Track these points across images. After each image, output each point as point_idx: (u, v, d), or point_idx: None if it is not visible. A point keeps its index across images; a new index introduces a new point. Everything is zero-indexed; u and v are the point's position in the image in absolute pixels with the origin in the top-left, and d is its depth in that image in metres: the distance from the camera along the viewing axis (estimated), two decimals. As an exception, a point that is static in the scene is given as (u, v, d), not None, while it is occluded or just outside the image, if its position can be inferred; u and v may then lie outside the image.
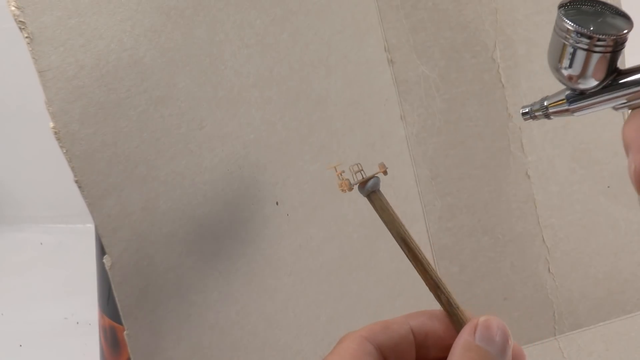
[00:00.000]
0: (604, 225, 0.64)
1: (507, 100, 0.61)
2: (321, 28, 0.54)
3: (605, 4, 0.31)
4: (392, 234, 0.33)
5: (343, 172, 0.34)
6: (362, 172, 0.34)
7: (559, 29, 0.31)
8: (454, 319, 0.33)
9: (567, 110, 0.33)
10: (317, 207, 0.53)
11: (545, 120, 0.34)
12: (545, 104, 0.34)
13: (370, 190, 0.33)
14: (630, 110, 0.31)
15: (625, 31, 0.30)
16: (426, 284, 0.33)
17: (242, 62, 0.48)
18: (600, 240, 0.64)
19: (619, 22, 0.30)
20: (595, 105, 0.32)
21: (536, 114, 0.34)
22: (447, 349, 0.32)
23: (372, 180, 0.33)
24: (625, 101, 0.31)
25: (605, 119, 0.62)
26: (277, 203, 0.50)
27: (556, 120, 0.61)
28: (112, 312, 0.56)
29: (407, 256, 0.33)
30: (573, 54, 0.30)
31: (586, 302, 0.64)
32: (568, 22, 0.30)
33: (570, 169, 0.63)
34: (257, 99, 0.49)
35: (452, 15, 0.60)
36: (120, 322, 0.42)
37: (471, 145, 0.62)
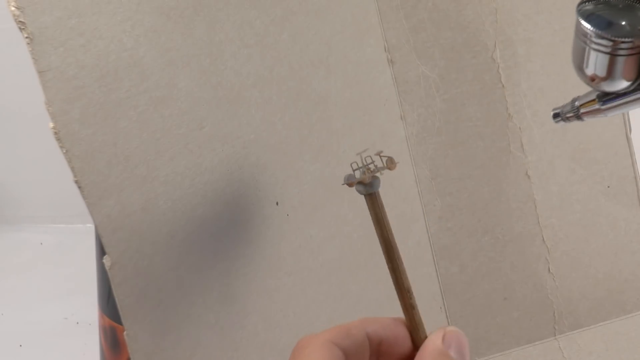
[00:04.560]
0: (604, 225, 0.64)
1: (507, 100, 0.61)
2: (321, 28, 0.54)
3: None
4: (377, 235, 0.34)
5: (370, 160, 0.33)
6: (373, 164, 0.33)
7: (578, 32, 0.28)
8: (414, 325, 0.34)
9: (598, 110, 0.31)
10: (317, 207, 0.53)
11: (564, 122, 0.33)
12: (577, 104, 0.32)
13: (365, 192, 0.33)
14: None
15: None
16: (396, 289, 0.34)
17: (242, 62, 0.48)
18: (600, 240, 0.64)
19: None
20: (628, 105, 0.30)
21: (567, 115, 0.33)
22: (396, 356, 0.33)
23: (370, 182, 0.33)
24: None
25: (605, 119, 0.62)
26: (277, 203, 0.50)
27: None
28: (112, 312, 0.56)
29: (385, 259, 0.34)
30: (595, 58, 0.28)
31: (586, 302, 0.64)
32: (586, 25, 0.28)
33: (570, 169, 0.63)
34: (257, 99, 0.49)
35: (452, 15, 0.60)
36: (120, 322, 0.42)
37: (471, 145, 0.62)
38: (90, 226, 0.44)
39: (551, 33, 0.60)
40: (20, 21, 0.38)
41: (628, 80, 0.29)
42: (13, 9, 0.37)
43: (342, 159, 0.55)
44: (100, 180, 0.41)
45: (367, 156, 0.33)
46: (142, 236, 0.43)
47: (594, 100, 0.31)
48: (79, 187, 0.40)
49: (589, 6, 0.29)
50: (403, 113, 0.61)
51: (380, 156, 0.34)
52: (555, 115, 0.33)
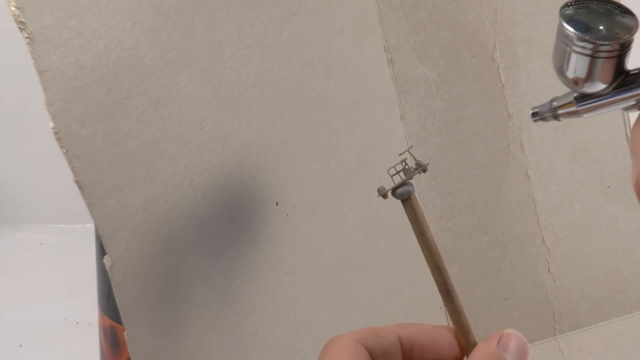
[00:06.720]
0: (604, 225, 0.64)
1: (507, 100, 0.61)
2: (321, 28, 0.54)
3: (614, 2, 0.30)
4: (419, 240, 0.33)
5: (404, 163, 0.33)
6: (402, 170, 0.33)
7: (560, 34, 0.30)
8: (464, 331, 0.33)
9: (575, 112, 0.32)
10: (317, 207, 0.53)
11: (554, 121, 0.34)
12: (554, 105, 0.33)
13: (401, 197, 0.33)
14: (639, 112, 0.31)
15: (632, 32, 0.28)
16: (442, 294, 0.33)
17: (242, 62, 0.48)
18: (600, 240, 0.64)
19: (627, 20, 0.29)
20: (603, 107, 0.31)
21: (545, 115, 0.34)
22: None
23: (401, 188, 0.33)
24: (634, 102, 0.30)
25: (605, 119, 0.62)
26: (277, 203, 0.50)
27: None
28: (112, 312, 0.56)
29: (429, 264, 0.33)
30: (576, 60, 0.29)
31: (586, 302, 0.64)
32: (568, 27, 0.29)
33: (570, 169, 0.63)
34: (257, 99, 0.49)
35: (452, 15, 0.60)
36: (120, 322, 0.42)
37: (471, 145, 0.62)
38: (90, 226, 0.44)
39: (551, 33, 0.60)
40: (20, 21, 0.38)
41: (604, 83, 0.30)
42: (13, 9, 0.37)
43: (342, 159, 0.55)
44: (100, 180, 0.41)
45: (403, 161, 0.33)
46: (142, 236, 0.43)
47: (571, 102, 0.32)
48: (79, 187, 0.40)
49: (569, 10, 0.30)
50: (403, 113, 0.61)
51: (415, 161, 0.33)
52: (534, 114, 0.34)
